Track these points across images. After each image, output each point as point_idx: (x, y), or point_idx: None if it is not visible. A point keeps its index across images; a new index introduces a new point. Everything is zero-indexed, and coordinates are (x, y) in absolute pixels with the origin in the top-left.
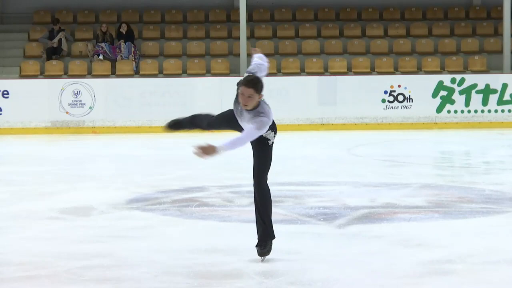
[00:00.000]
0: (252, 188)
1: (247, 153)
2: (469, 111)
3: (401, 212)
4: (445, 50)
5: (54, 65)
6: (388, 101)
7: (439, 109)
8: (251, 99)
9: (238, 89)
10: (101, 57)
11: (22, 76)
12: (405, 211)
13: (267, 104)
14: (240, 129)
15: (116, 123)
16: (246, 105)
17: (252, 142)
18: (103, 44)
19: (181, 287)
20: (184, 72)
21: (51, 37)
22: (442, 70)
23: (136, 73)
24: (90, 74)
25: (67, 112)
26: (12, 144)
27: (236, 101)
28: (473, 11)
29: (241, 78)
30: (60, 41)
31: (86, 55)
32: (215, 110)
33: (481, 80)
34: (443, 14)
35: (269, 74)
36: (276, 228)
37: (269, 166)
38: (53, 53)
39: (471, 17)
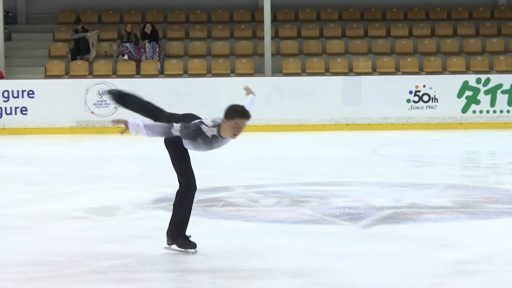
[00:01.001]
0: (277, 188)
1: (271, 154)
2: (494, 111)
3: (427, 213)
4: (470, 50)
5: (79, 65)
6: (413, 101)
7: (464, 109)
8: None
9: (228, 120)
10: (126, 57)
11: (47, 76)
12: (430, 211)
13: (204, 128)
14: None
15: None
16: (236, 136)
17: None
18: (128, 44)
19: (206, 287)
20: (209, 72)
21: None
22: (467, 70)
23: (161, 73)
24: (115, 74)
25: (92, 112)
26: (37, 144)
27: (215, 136)
28: (498, 11)
29: (228, 109)
30: (86, 42)
31: (111, 55)
32: None
33: (506, 80)
34: (468, 14)
35: (294, 74)
36: (301, 228)
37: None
38: (78, 53)
39: (496, 17)
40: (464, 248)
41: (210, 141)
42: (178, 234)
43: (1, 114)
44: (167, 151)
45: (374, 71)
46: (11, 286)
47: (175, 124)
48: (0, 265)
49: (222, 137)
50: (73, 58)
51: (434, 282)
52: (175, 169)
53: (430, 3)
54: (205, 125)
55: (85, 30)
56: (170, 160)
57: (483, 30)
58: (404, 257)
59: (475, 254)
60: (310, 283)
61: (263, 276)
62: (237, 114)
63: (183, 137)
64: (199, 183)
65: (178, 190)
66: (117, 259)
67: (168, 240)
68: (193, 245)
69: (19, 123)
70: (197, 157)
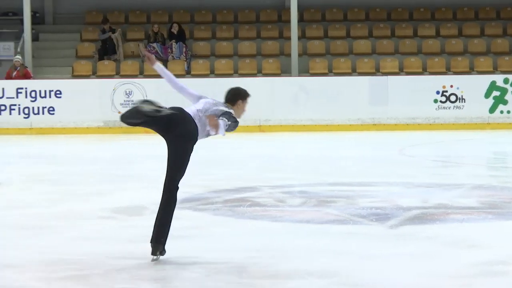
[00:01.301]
0: (304, 188)
1: (297, 154)
2: None
3: (454, 213)
4: (497, 50)
5: (106, 65)
6: (440, 101)
7: (491, 110)
8: None
9: (243, 101)
10: None
11: (75, 76)
12: (457, 212)
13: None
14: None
15: None
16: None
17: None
18: (154, 44)
19: (233, 287)
20: (235, 72)
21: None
22: (494, 70)
23: (188, 73)
24: (141, 74)
25: (119, 112)
26: (64, 144)
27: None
28: None
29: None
30: (113, 42)
31: (138, 55)
32: (266, 110)
33: None
34: (495, 13)
35: (321, 74)
36: (328, 228)
37: (181, 170)
38: (105, 53)
39: None
40: (492, 249)
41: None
42: (159, 238)
43: (29, 114)
44: (179, 147)
45: (401, 71)
46: (39, 285)
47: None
48: (28, 264)
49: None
50: (100, 58)
51: (461, 282)
52: (179, 166)
53: (457, 3)
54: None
55: (112, 30)
56: (177, 156)
57: (510, 30)
58: (431, 258)
59: (503, 255)
60: (337, 283)
61: (290, 276)
62: (247, 94)
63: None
64: (226, 183)
65: (173, 193)
66: (144, 258)
67: (159, 249)
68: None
69: (46, 123)
70: (225, 158)
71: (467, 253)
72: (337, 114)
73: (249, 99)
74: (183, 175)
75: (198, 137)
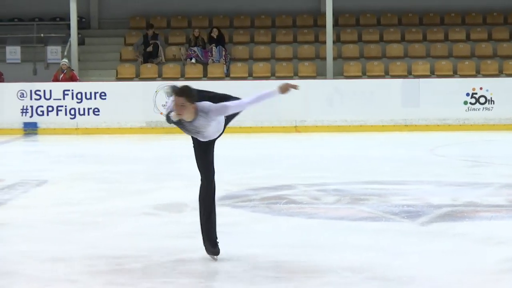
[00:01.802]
0: (338, 187)
1: (332, 154)
2: None
3: (483, 211)
4: None
5: (149, 68)
6: (470, 103)
7: None
8: (184, 108)
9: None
10: (193, 60)
11: (118, 79)
12: (486, 210)
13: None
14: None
15: None
16: (180, 115)
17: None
18: (195, 48)
19: (270, 281)
20: (273, 75)
21: (145, 41)
22: None
23: (227, 76)
24: (183, 76)
25: (161, 113)
26: (108, 144)
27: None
28: None
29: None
30: (156, 47)
31: (179, 58)
32: (302, 112)
33: None
34: None
35: (355, 77)
36: (361, 225)
37: (199, 166)
38: (149, 56)
39: None
40: None
41: (178, 124)
42: (203, 237)
43: (75, 115)
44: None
45: (432, 74)
46: (84, 279)
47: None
48: (73, 258)
49: (186, 121)
50: (145, 61)
51: (489, 278)
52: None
53: (487, 8)
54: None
55: (155, 36)
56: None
57: None
58: (460, 254)
59: None
60: (370, 278)
61: (325, 271)
62: (173, 92)
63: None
64: (264, 181)
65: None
66: (184, 253)
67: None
68: (215, 252)
69: (91, 124)
70: (262, 157)
71: (496, 250)
72: (370, 115)
73: (176, 100)
74: (201, 172)
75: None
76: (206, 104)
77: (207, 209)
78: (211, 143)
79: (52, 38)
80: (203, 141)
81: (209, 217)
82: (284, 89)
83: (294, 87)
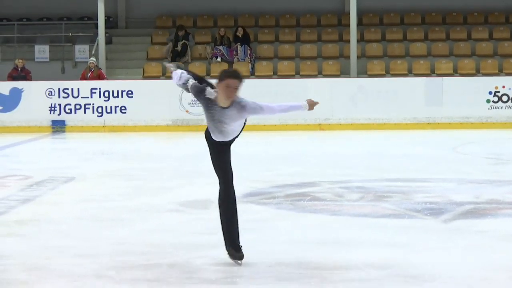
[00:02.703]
0: (361, 184)
1: (355, 151)
2: None
3: (505, 208)
4: None
5: None
6: (493, 101)
7: None
8: (236, 92)
9: (220, 83)
10: (219, 59)
11: (145, 77)
12: (509, 207)
13: (208, 90)
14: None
15: None
16: (230, 97)
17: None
18: (221, 47)
19: (293, 277)
20: (297, 74)
21: (176, 41)
22: None
23: (252, 74)
24: (209, 75)
25: (187, 111)
26: (135, 141)
27: (212, 100)
28: None
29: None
30: (184, 46)
31: (205, 57)
32: (326, 110)
33: None
34: None
35: (378, 76)
36: (384, 222)
37: (216, 169)
38: (177, 55)
39: None
40: None
41: (207, 105)
42: (226, 243)
43: (102, 113)
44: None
45: (455, 72)
46: (111, 274)
47: (190, 80)
48: (100, 254)
49: (219, 105)
50: (172, 59)
51: None
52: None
53: (509, 7)
54: (210, 88)
55: (186, 35)
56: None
57: None
58: (483, 251)
59: None
60: (393, 275)
61: (348, 267)
62: (227, 75)
63: (191, 93)
64: (288, 179)
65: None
66: (210, 249)
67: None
68: (239, 257)
69: (118, 121)
70: (287, 154)
71: None
72: (393, 113)
73: (231, 82)
74: (219, 175)
75: (213, 136)
76: (246, 98)
77: (227, 214)
78: (227, 144)
79: (80, 37)
80: (217, 141)
81: (231, 221)
82: (312, 106)
83: (317, 103)
